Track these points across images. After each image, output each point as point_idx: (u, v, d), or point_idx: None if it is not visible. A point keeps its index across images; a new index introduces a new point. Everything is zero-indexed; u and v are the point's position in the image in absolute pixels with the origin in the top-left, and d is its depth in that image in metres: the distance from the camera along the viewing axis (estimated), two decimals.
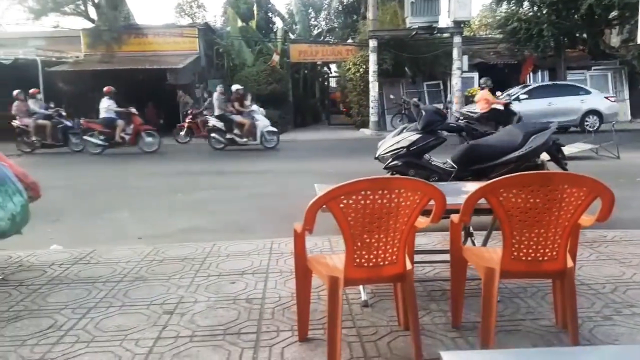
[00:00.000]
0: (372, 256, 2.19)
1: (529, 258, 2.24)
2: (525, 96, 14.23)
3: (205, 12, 31.69)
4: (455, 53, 18.19)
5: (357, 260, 2.17)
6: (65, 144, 13.94)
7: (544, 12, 19.36)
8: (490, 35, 24.17)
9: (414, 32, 18.21)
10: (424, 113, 4.73)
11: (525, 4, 20.35)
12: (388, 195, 2.08)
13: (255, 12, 23.42)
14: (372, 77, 18.32)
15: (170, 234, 5.04)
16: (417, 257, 3.15)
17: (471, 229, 3.41)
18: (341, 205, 2.07)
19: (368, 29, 18.92)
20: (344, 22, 27.03)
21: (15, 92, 14.22)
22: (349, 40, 24.08)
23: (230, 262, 3.76)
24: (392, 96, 17.33)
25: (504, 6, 21.32)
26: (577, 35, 20.06)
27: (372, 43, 18.22)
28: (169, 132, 19.54)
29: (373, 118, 18.40)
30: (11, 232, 3.52)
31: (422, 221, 2.31)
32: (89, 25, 21.67)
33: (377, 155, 4.93)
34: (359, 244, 2.15)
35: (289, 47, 22.59)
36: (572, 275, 2.31)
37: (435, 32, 18.71)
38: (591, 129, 14.64)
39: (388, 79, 19.23)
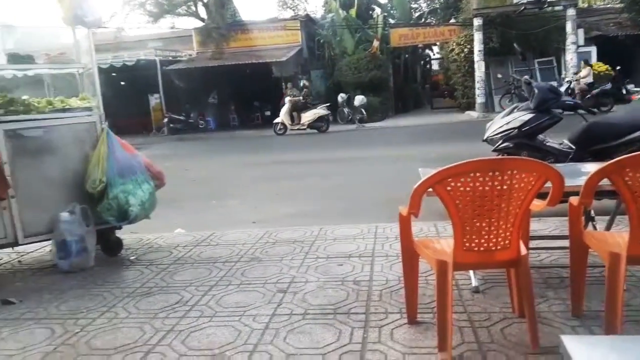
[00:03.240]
0: (482, 240, 2.13)
1: None
2: None
3: (307, 3, 32.08)
4: (569, 27, 16.86)
5: (467, 244, 2.13)
6: None
7: None
8: (609, 5, 22.03)
9: (522, 7, 17.15)
10: (536, 91, 4.45)
11: None
12: (500, 177, 2.01)
13: (356, 1, 23.37)
14: (477, 57, 17.56)
15: (280, 218, 5.27)
16: (532, 243, 3.00)
17: (592, 212, 3.18)
18: (448, 188, 2.03)
19: (472, 7, 18.12)
20: (446, 2, 26.08)
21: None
22: (452, 21, 23.20)
23: (337, 245, 3.86)
24: (499, 75, 16.53)
25: None
26: None
27: (477, 21, 17.43)
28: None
29: (479, 99, 17.67)
30: (141, 217, 3.90)
31: (538, 204, 2.20)
32: (200, 24, 22.99)
33: (485, 137, 4.73)
34: (468, 227, 2.10)
35: (389, 32, 22.31)
36: None
37: (546, 5, 17.43)
38: None
39: (495, 58, 18.31)
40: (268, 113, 22.08)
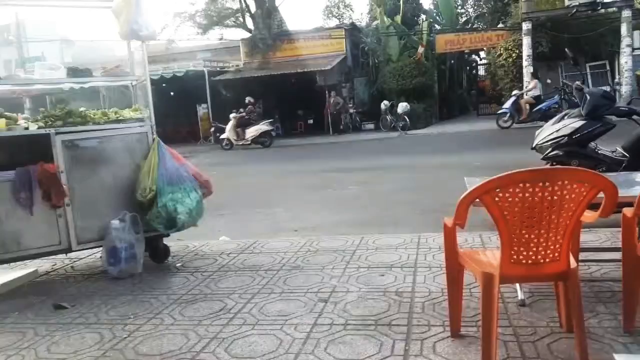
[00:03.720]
0: (531, 253, 2.06)
1: None
2: None
3: (352, 11, 32.07)
4: (624, 29, 16.20)
5: (515, 256, 2.07)
6: None
7: None
8: None
9: (574, 10, 16.58)
10: (588, 97, 4.30)
11: None
12: (550, 187, 1.94)
13: (401, 7, 23.27)
14: (526, 62, 17.13)
15: (322, 226, 5.28)
16: (582, 255, 2.89)
17: None
18: (496, 199, 1.98)
19: (521, 11, 17.70)
20: (494, 6, 25.58)
21: None
22: (500, 25, 22.72)
23: (379, 254, 3.83)
24: (549, 81, 16.09)
25: None
26: None
27: (526, 25, 17.02)
28: (319, 131, 20.47)
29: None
30: (188, 225, 3.99)
31: (589, 215, 2.12)
32: (247, 35, 23.45)
33: (534, 145, 4.60)
34: (516, 239, 2.04)
35: (435, 39, 22.07)
36: None
37: (599, 7, 16.79)
38: None
39: (544, 63, 17.78)
40: (311, 121, 22.27)
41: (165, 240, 4.19)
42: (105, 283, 3.70)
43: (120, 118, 4.10)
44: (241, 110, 17.62)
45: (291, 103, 22.03)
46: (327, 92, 19.93)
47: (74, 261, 4.38)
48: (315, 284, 3.30)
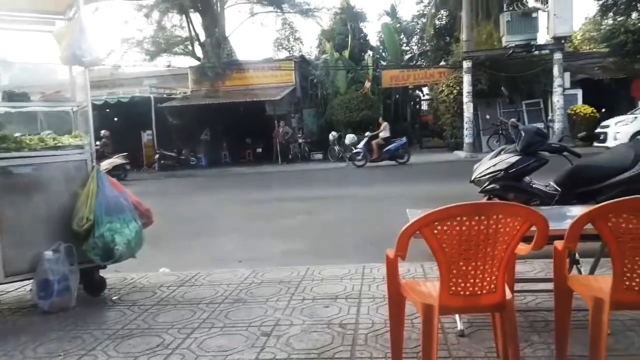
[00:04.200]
0: (468, 284, 2.12)
1: None
2: None
3: (302, 44, 32.57)
4: (555, 70, 17.33)
5: (453, 288, 2.11)
6: None
7: None
8: (594, 50, 22.69)
9: (511, 51, 17.63)
10: (523, 133, 4.53)
11: (634, 14, 18.95)
12: (486, 221, 2.01)
13: (349, 42, 23.93)
14: (466, 98, 17.93)
15: (268, 257, 5.22)
16: (517, 286, 3.00)
17: (577, 256, 3.19)
18: (435, 232, 2.04)
19: (462, 50, 18.61)
20: (437, 45, 26.79)
21: None
22: (442, 63, 23.77)
23: (324, 286, 3.81)
24: (488, 116, 16.87)
25: (610, 18, 20.03)
26: None
27: (466, 64, 17.88)
28: (268, 160, 20.48)
29: (468, 140, 17.92)
30: (126, 256, 3.84)
31: (523, 248, 2.21)
32: (196, 63, 23.33)
33: (472, 179, 4.78)
34: (454, 271, 2.09)
35: (381, 74, 22.78)
36: None
37: (534, 49, 17.95)
38: None
39: (483, 100, 18.68)
40: (259, 150, 22.28)
41: (102, 272, 4.01)
42: (34, 318, 3.49)
43: (59, 145, 3.94)
44: (97, 143, 17.37)
45: (240, 131, 21.97)
46: (276, 121, 20.04)
47: (1, 294, 4.10)
48: (258, 317, 3.24)
